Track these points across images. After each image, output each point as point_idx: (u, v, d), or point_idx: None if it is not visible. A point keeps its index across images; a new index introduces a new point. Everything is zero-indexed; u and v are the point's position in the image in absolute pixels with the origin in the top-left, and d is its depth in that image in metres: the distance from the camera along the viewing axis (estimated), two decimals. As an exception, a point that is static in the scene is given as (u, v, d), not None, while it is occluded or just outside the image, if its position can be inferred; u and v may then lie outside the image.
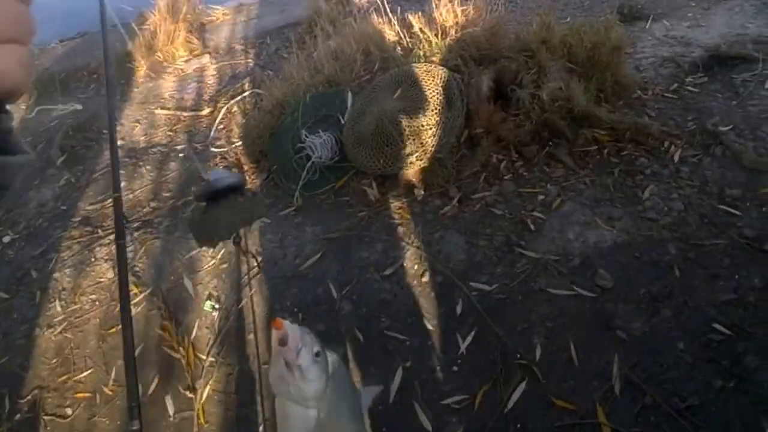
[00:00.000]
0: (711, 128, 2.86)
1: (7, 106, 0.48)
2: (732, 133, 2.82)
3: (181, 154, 3.82)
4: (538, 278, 2.38)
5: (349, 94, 3.59)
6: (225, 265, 2.86)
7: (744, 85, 3.13)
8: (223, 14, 5.64)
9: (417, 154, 3.00)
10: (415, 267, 2.56)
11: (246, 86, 4.37)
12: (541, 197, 2.73)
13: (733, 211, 2.46)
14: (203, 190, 1.65)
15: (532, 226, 2.60)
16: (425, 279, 2.49)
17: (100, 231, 3.30)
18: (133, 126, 4.27)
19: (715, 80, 3.23)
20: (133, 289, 2.83)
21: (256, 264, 2.68)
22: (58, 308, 2.90)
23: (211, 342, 2.52)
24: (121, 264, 1.86)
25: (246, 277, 2.75)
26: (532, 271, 2.42)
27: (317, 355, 1.05)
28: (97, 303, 2.87)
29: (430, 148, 3.01)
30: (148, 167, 3.78)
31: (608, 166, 2.81)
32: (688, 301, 2.19)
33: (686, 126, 2.94)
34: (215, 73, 4.74)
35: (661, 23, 3.94)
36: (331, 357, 1.11)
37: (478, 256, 2.53)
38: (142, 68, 4.95)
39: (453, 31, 3.98)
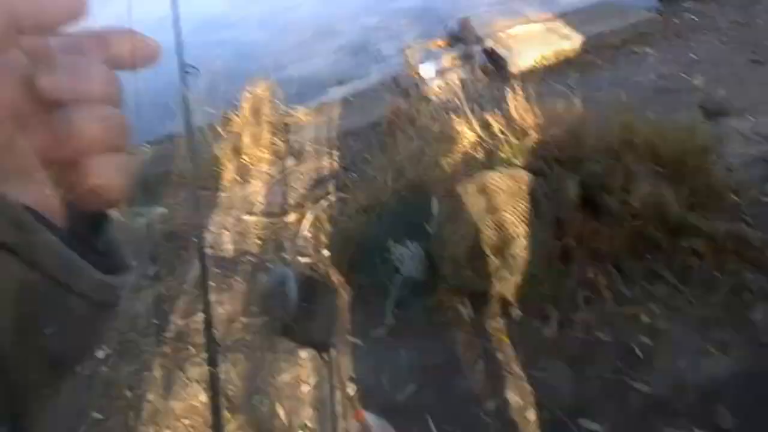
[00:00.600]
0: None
1: (110, 212, 0.46)
2: None
3: (269, 264, 3.89)
4: (653, 416, 2.26)
5: (434, 201, 3.59)
6: (317, 392, 2.85)
7: None
8: (305, 114, 5.83)
9: (509, 268, 2.95)
10: (519, 401, 2.48)
11: (330, 188, 4.45)
12: (645, 319, 2.62)
13: None
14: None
15: (640, 354, 2.49)
16: (531, 417, 2.40)
17: (191, 348, 3.36)
18: (220, 233, 4.40)
19: (816, 181, 3.08)
20: (227, 416, 2.84)
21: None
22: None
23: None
24: (215, 394, 1.87)
25: (341, 407, 2.72)
26: (645, 407, 2.30)
27: None
28: (191, 429, 2.89)
29: (521, 262, 2.96)
30: (237, 278, 3.86)
31: (713, 283, 2.68)
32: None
33: (791, 234, 2.80)
34: (300, 176, 4.86)
35: (745, 119, 3.81)
36: None
37: (585, 389, 2.43)
38: (228, 172, 5.13)
39: (533, 132, 3.97)
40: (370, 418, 1.16)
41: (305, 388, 2.90)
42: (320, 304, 1.85)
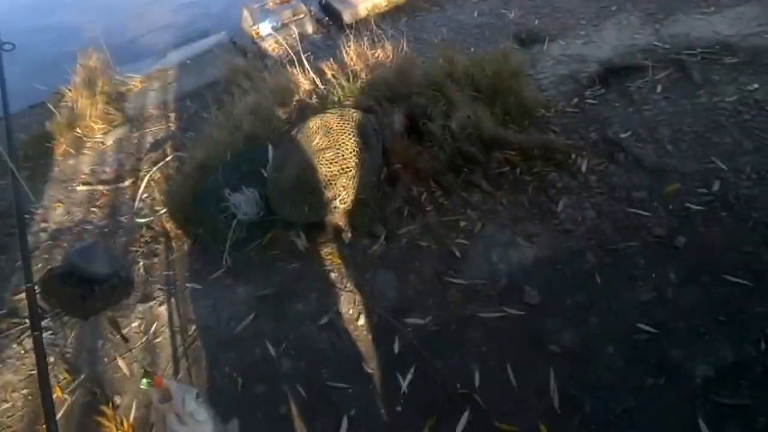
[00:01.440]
0: (612, 136, 2.97)
1: None
2: (632, 138, 2.94)
3: (106, 230, 3.72)
4: (469, 304, 2.40)
5: (270, 148, 3.58)
6: (158, 340, 2.77)
7: (638, 92, 3.27)
8: (140, 82, 5.58)
9: (340, 197, 3.01)
10: (350, 311, 2.54)
11: (168, 151, 4.31)
12: (463, 224, 2.77)
13: (642, 212, 2.55)
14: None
15: (458, 254, 2.63)
16: (361, 322, 2.48)
17: (26, 321, 3.16)
18: (55, 206, 4.14)
19: (611, 91, 3.37)
20: (66, 377, 2.71)
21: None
22: (-11, 409, 2.75)
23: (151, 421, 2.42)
24: (40, 357, 1.78)
25: (182, 348, 2.67)
26: (462, 298, 2.44)
27: (197, 396, 1.11)
28: (30, 398, 2.73)
29: (351, 191, 3.02)
30: (73, 247, 3.65)
31: (522, 185, 2.88)
32: (612, 306, 2.24)
33: (589, 137, 3.05)
34: (136, 141, 4.66)
35: (556, 43, 4.10)
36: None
37: (409, 291, 2.54)
38: (61, 146, 4.82)
39: (364, 74, 4.04)
40: (166, 382, 1.10)
41: (144, 337, 2.81)
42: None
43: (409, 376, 2.21)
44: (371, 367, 2.30)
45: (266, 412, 2.27)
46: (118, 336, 2.85)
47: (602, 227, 2.54)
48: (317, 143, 3.25)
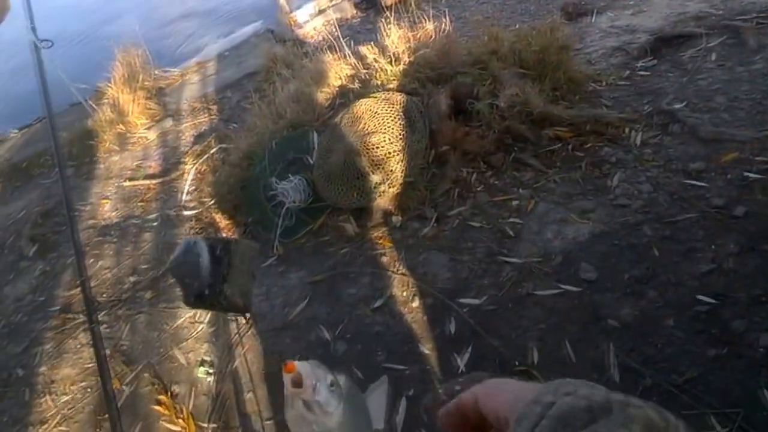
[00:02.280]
0: (666, 107, 3.01)
1: None
2: (687, 109, 2.97)
3: (154, 224, 3.92)
4: (525, 283, 2.48)
5: (314, 134, 3.71)
6: (213, 329, 2.94)
7: (692, 61, 3.29)
8: (181, 75, 5.80)
9: (388, 181, 3.12)
10: (404, 294, 2.65)
11: (212, 143, 4.49)
12: (515, 203, 2.85)
13: (699, 183, 2.59)
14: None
15: (511, 233, 2.71)
16: (415, 304, 2.58)
17: (81, 316, 3.37)
18: (102, 203, 4.37)
19: (664, 61, 3.39)
20: (123, 369, 2.90)
21: (245, 320, 2.76)
22: (50, 402, 2.94)
23: (210, 409, 2.58)
24: (98, 348, 1.94)
25: (236, 335, 2.83)
26: (517, 277, 2.52)
27: (332, 385, 1.08)
28: (89, 390, 2.93)
29: (399, 174, 3.13)
30: (123, 242, 3.86)
31: (575, 161, 2.94)
32: (671, 278, 2.29)
33: (643, 109, 3.09)
34: (179, 135, 4.86)
35: (605, 15, 4.13)
36: (341, 379, 1.15)
37: (463, 271, 2.63)
38: (105, 143, 5.06)
39: (406, 56, 4.14)
40: (300, 366, 1.06)
41: (199, 327, 2.98)
42: (234, 266, 1.76)
43: (466, 356, 2.31)
44: (427, 348, 2.41)
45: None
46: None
47: (658, 200, 2.59)
48: (362, 127, 3.37)
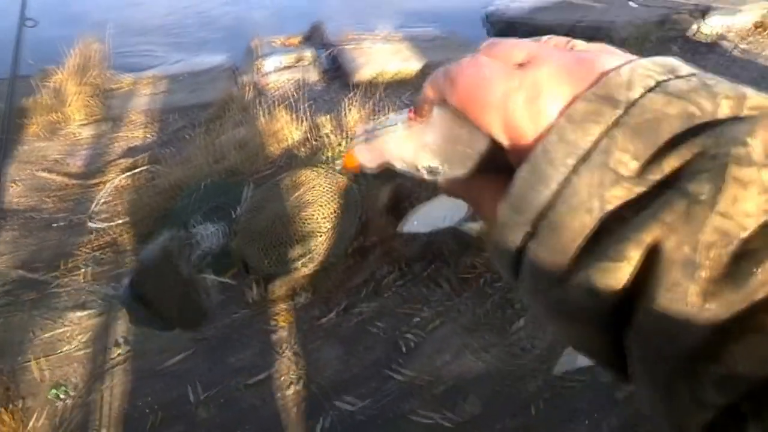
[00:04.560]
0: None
1: None
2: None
3: (60, 224, 3.80)
4: (408, 400, 2.52)
5: (249, 188, 3.73)
6: (87, 351, 2.84)
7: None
8: (132, 83, 5.75)
9: (308, 257, 3.16)
10: (283, 378, 2.65)
11: (142, 161, 4.43)
12: (417, 319, 2.92)
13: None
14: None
15: (404, 348, 2.77)
16: (291, 391, 2.58)
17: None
18: (10, 186, 4.21)
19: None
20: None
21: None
22: None
23: (49, 435, 2.47)
24: None
25: (109, 366, 2.74)
26: (401, 392, 2.56)
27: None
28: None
29: (321, 254, 3.18)
30: (21, 233, 3.72)
31: (484, 296, 3.06)
32: (546, 438, 2.39)
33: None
34: (111, 142, 4.78)
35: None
36: None
37: (348, 373, 2.66)
38: (35, 126, 4.92)
39: (360, 139, 4.25)
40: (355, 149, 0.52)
41: (73, 345, 2.87)
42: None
43: (328, 460, 2.32)
44: (292, 439, 2.41)
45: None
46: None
47: (556, 351, 2.72)
48: (299, 196, 3.43)
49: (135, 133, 4.91)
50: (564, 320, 0.34)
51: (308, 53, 6.02)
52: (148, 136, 4.88)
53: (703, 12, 6.00)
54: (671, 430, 0.30)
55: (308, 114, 4.45)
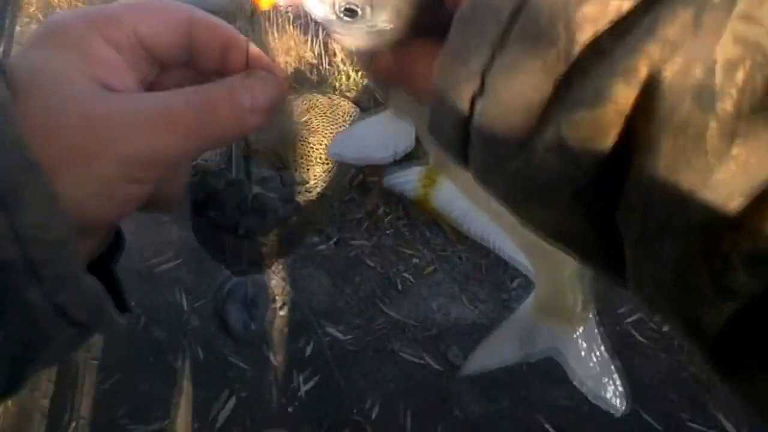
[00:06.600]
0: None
1: None
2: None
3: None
4: (393, 339, 2.56)
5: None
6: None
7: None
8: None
9: (310, 184, 3.13)
10: (274, 297, 2.66)
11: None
12: (415, 261, 2.93)
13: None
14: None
15: (399, 286, 2.79)
16: (282, 312, 2.59)
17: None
18: None
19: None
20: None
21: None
22: None
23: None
24: None
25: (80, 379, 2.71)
26: (388, 331, 2.59)
27: None
28: None
29: (322, 184, 3.15)
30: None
31: (484, 249, 3.07)
32: (528, 397, 2.44)
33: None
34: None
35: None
36: None
37: (341, 302, 2.68)
38: (30, 7, 4.74)
39: (373, 72, 4.18)
40: None
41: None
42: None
43: (311, 383, 2.35)
44: (277, 359, 2.43)
45: (163, 360, 2.36)
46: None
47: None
48: (306, 121, 3.38)
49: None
50: (531, 202, 0.27)
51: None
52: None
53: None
54: (683, 330, 0.24)
55: (320, 36, 4.34)
